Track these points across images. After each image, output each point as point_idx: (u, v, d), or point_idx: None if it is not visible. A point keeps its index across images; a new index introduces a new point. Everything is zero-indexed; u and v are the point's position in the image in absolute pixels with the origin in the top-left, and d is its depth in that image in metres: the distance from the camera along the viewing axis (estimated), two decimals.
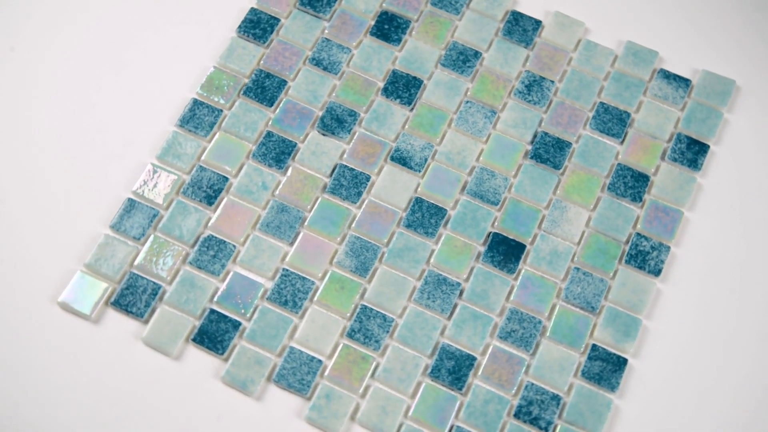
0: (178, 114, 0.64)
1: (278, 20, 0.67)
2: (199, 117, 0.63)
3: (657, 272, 0.60)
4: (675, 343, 0.59)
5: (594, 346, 0.58)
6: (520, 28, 0.67)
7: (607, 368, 0.58)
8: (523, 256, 0.61)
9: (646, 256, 0.61)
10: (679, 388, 0.58)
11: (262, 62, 0.66)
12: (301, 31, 0.67)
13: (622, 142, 0.64)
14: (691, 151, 0.64)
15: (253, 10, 0.67)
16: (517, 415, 0.56)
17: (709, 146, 0.64)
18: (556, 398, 0.57)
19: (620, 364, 0.58)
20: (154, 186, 0.61)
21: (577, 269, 0.60)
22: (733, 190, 0.63)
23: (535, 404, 0.57)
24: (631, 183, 0.63)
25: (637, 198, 0.63)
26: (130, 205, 0.61)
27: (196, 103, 0.64)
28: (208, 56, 0.66)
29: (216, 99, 0.64)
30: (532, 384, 0.57)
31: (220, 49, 0.66)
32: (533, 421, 0.56)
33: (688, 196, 0.63)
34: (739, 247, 0.61)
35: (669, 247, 0.61)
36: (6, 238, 0.59)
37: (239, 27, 0.66)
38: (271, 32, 0.66)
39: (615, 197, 0.63)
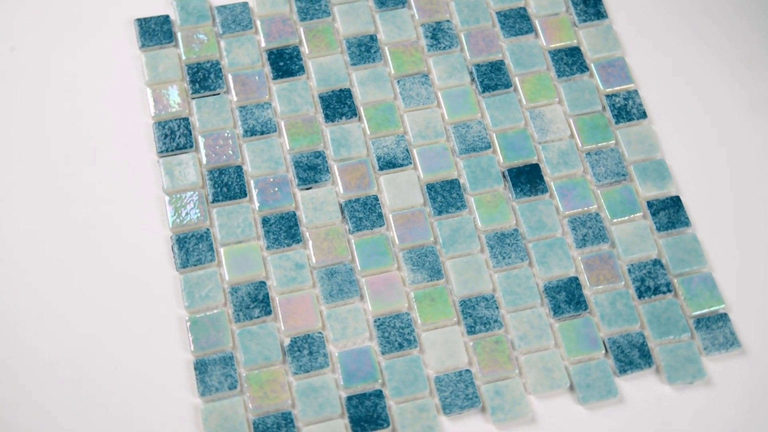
0: (170, 260, 0.60)
1: (187, 119, 0.64)
2: (193, 249, 0.60)
3: (643, 115, 0.65)
4: (695, 155, 0.64)
5: (649, 203, 0.63)
6: None
7: (670, 212, 0.62)
8: (542, 173, 0.63)
9: (626, 108, 0.65)
10: (716, 191, 0.64)
11: (204, 164, 0.62)
12: (214, 115, 0.64)
13: (536, 35, 0.68)
14: (590, 6, 0.68)
15: (158, 125, 0.63)
16: (641, 296, 0.60)
17: None
18: (656, 262, 0.61)
19: (675, 201, 0.63)
20: (208, 337, 0.58)
21: (588, 154, 0.64)
22: (640, 15, 0.69)
23: (647, 278, 0.60)
24: (570, 60, 0.67)
25: (583, 68, 0.66)
26: (203, 367, 0.57)
27: (180, 240, 0.60)
28: (153, 190, 0.62)
29: (193, 224, 0.61)
30: (631, 264, 0.61)
31: (158, 178, 0.62)
32: (656, 291, 0.60)
33: (615, 41, 0.67)
34: (681, 46, 0.68)
35: (635, 90, 0.66)
36: None
37: (158, 149, 0.63)
38: (190, 133, 0.63)
39: (567, 79, 0.66)
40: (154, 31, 0.66)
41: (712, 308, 0.60)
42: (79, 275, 0.59)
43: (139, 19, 0.66)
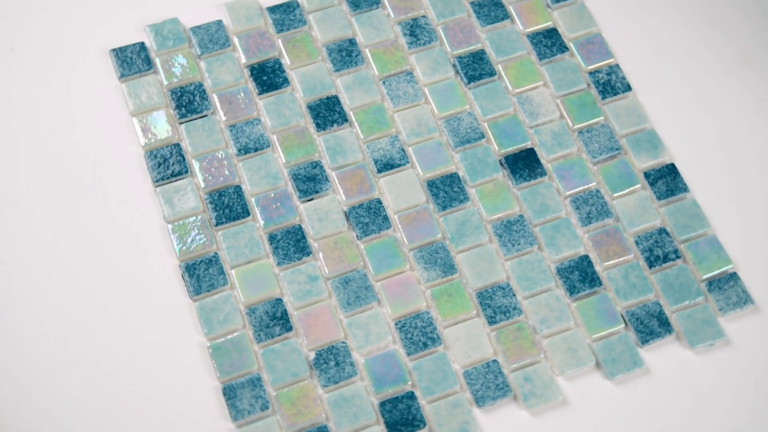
0: (182, 289, 0.59)
1: (178, 144, 0.63)
2: (203, 275, 0.59)
3: (627, 87, 0.66)
4: (682, 120, 0.65)
5: (645, 173, 0.63)
6: None
7: (668, 180, 0.63)
8: (538, 157, 0.64)
9: (610, 83, 0.66)
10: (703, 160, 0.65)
11: (202, 188, 0.62)
12: (204, 137, 0.63)
13: (512, 21, 0.68)
14: None
15: (149, 154, 0.62)
16: (652, 266, 0.61)
17: None
18: (662, 231, 0.62)
19: (671, 168, 0.64)
20: (231, 362, 0.57)
21: (580, 132, 0.65)
22: None
23: (654, 248, 0.61)
24: (549, 42, 0.67)
25: (563, 49, 0.67)
26: (231, 392, 0.57)
27: (189, 268, 0.59)
28: (154, 220, 0.61)
29: (200, 249, 0.60)
30: (637, 236, 0.62)
31: (158, 207, 0.61)
32: (666, 258, 0.61)
33: (590, 19, 0.68)
34: (654, 16, 0.69)
35: (617, 65, 0.67)
36: None
37: (153, 178, 0.62)
38: (183, 159, 0.62)
39: (549, 61, 0.67)
40: (132, 60, 0.65)
41: (722, 269, 0.61)
42: (93, 316, 0.58)
43: (114, 50, 0.65)
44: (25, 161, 0.62)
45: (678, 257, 0.61)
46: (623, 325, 0.59)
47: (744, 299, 0.60)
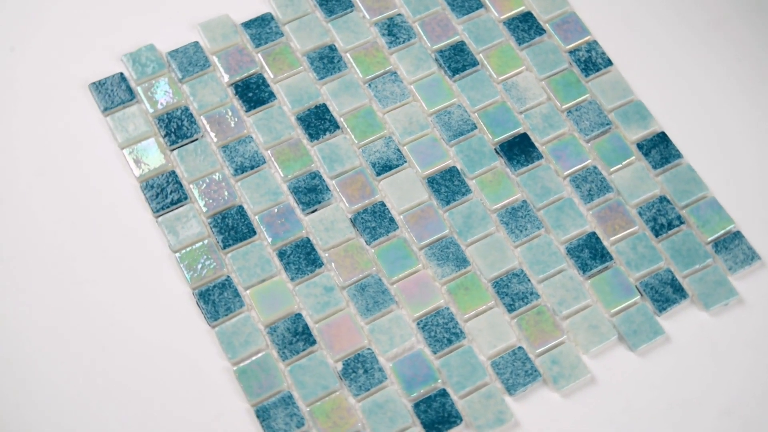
0: (199, 316, 0.59)
1: (173, 172, 0.62)
2: (218, 300, 0.59)
3: (608, 62, 0.67)
4: (665, 87, 0.66)
5: (638, 145, 0.64)
6: (327, 2, 0.67)
7: (660, 148, 0.64)
8: (532, 141, 0.64)
9: (591, 60, 0.67)
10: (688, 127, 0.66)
11: (204, 212, 0.61)
12: (199, 161, 0.62)
13: (486, 9, 0.68)
14: None
15: (146, 185, 0.61)
16: (658, 235, 0.62)
17: None
18: (662, 199, 0.63)
19: (662, 137, 0.64)
20: (260, 383, 0.57)
21: (569, 111, 0.65)
22: None
23: (658, 216, 0.62)
24: (525, 26, 0.68)
25: (540, 31, 0.67)
26: (265, 413, 0.56)
27: (203, 294, 0.59)
28: (160, 250, 0.60)
29: (211, 274, 0.59)
30: (640, 207, 0.62)
31: (162, 237, 0.60)
32: (670, 226, 0.62)
33: None
34: None
35: (594, 41, 0.67)
36: None
37: (153, 209, 0.61)
38: (181, 186, 0.62)
39: (528, 45, 0.67)
40: (113, 92, 0.64)
41: (725, 229, 0.62)
42: (114, 357, 0.57)
43: (93, 83, 0.64)
44: (14, 208, 0.61)
45: (682, 223, 0.62)
46: (639, 297, 0.60)
47: (750, 256, 0.61)
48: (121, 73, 0.64)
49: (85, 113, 0.64)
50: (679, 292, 0.60)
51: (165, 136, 0.63)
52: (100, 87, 0.64)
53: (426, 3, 0.68)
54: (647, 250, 0.61)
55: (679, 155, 0.64)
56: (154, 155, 0.62)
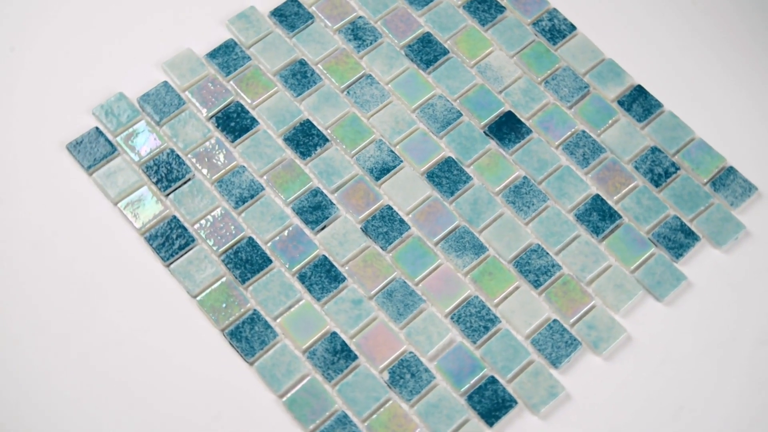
0: (235, 356, 0.58)
1: (174, 217, 0.61)
2: (251, 336, 0.58)
3: (572, 27, 0.68)
4: (631, 41, 0.68)
5: (619, 101, 0.65)
6: (286, 18, 0.67)
7: (641, 101, 0.65)
8: (518, 117, 0.65)
9: (555, 27, 0.68)
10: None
11: (215, 250, 0.60)
12: (197, 201, 0.61)
13: None
14: None
15: (149, 236, 0.60)
16: (658, 185, 0.63)
17: None
18: (654, 150, 0.64)
19: (639, 90, 0.66)
20: (312, 409, 0.56)
21: (546, 82, 0.66)
22: None
23: (654, 167, 0.63)
24: (484, 7, 0.68)
25: (500, 9, 0.68)
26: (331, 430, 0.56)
27: (233, 334, 0.58)
28: (180, 296, 0.59)
29: (237, 312, 0.58)
30: (634, 162, 0.64)
31: (178, 284, 0.59)
32: (667, 174, 0.63)
33: None
34: None
35: (554, 9, 0.68)
36: None
37: (163, 258, 0.59)
38: (185, 229, 0.60)
39: (492, 24, 0.68)
40: (92, 149, 0.62)
41: (718, 167, 0.64)
42: (161, 416, 0.56)
43: (71, 143, 0.62)
44: (18, 290, 0.59)
45: (677, 169, 0.64)
46: (654, 248, 0.61)
47: (748, 188, 0.63)
48: (96, 128, 0.63)
49: (69, 175, 0.62)
50: (691, 236, 0.62)
51: (156, 182, 0.62)
52: (78, 146, 0.62)
53: (384, 1, 0.68)
54: (651, 201, 0.63)
55: (659, 105, 0.66)
56: (150, 204, 0.61)
